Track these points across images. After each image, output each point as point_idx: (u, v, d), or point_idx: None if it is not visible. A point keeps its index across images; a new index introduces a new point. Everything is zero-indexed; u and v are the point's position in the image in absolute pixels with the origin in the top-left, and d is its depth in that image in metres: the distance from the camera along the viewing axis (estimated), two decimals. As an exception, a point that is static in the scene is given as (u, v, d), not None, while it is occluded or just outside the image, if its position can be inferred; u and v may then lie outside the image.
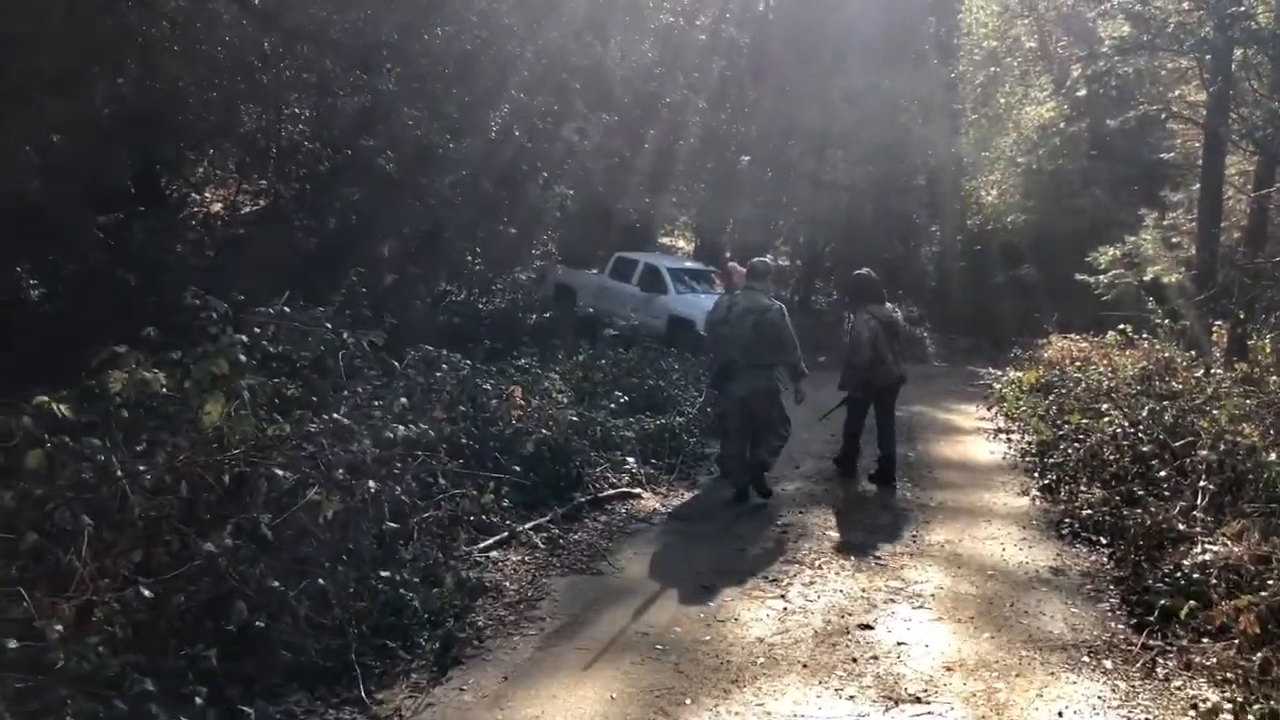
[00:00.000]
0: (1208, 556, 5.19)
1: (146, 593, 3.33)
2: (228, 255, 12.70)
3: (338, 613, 4.14)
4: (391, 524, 4.63)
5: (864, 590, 5.51)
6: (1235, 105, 14.15)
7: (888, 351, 8.05)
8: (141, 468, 3.84)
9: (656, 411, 9.38)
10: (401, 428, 5.07)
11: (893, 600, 5.37)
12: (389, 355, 7.45)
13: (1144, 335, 14.49)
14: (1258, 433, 7.17)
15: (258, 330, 5.52)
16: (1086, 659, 4.64)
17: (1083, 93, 18.47)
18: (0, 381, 5.28)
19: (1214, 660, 4.36)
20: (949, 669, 4.50)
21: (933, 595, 5.47)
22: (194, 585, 3.68)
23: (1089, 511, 6.76)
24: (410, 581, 4.61)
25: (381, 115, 11.30)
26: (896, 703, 4.16)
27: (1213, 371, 9.84)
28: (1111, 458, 7.78)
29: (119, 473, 3.76)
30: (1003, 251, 26.19)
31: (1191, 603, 4.68)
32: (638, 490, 7.48)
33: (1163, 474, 6.89)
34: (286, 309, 6.08)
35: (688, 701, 4.12)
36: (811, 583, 5.62)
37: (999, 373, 15.15)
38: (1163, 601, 4.96)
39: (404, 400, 6.52)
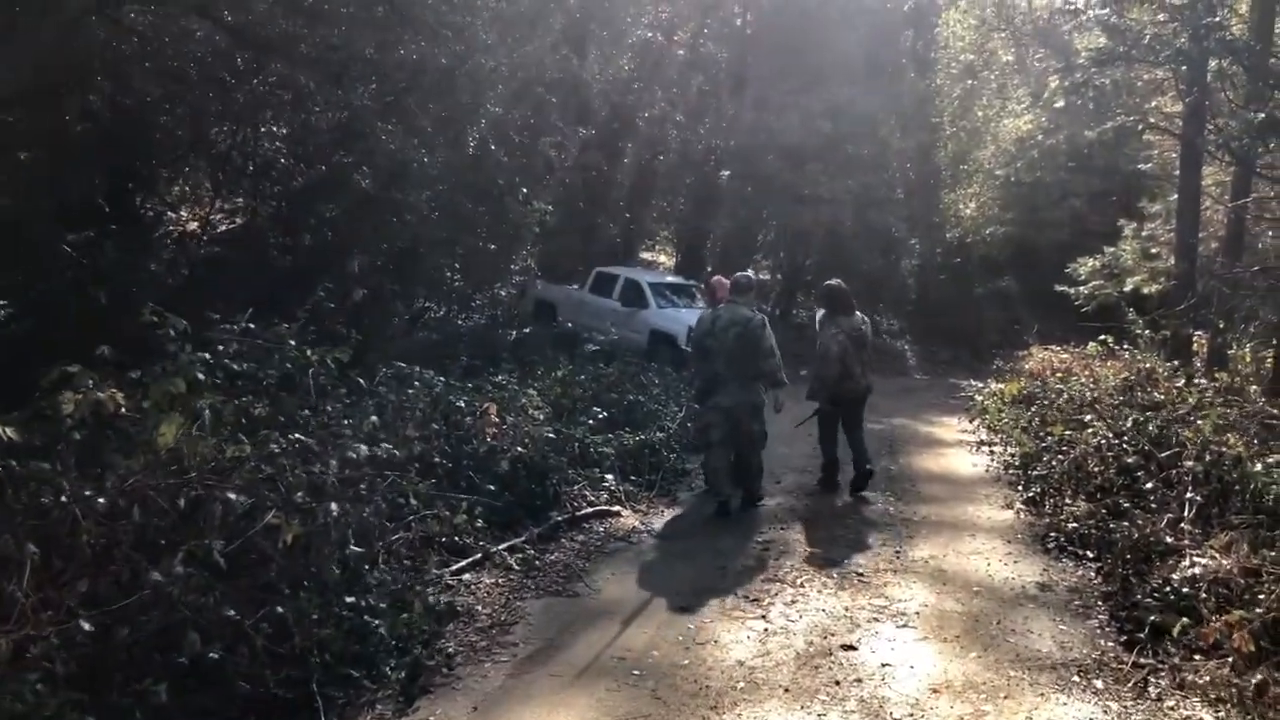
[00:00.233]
0: (1197, 570, 5.08)
1: (86, 626, 3.15)
2: (202, 273, 12.52)
3: (298, 641, 3.96)
4: (356, 548, 4.45)
5: (847, 609, 5.37)
6: (1211, 116, 14.19)
7: (855, 364, 8.09)
8: (88, 492, 3.66)
9: (636, 427, 9.24)
10: (364, 448, 4.88)
11: (876, 619, 5.23)
12: (363, 372, 7.31)
13: (1125, 346, 14.49)
14: (1242, 443, 7.10)
15: (220, 348, 5.34)
16: (1077, 679, 4.51)
17: (1060, 104, 18.54)
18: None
19: (1208, 679, 4.23)
20: (935, 691, 4.36)
21: (917, 613, 5.33)
22: (144, 616, 3.50)
23: (1075, 525, 6.65)
24: (376, 607, 4.44)
25: (357, 131, 11.15)
26: (882, 728, 4.02)
27: (1196, 381, 9.77)
28: (1096, 470, 7.69)
29: (64, 498, 3.57)
30: (982, 263, 26.31)
31: (1184, 620, 4.56)
32: (616, 508, 7.33)
33: (1149, 486, 6.78)
34: (251, 325, 5.89)
35: (665, 729, 3.97)
36: (793, 602, 5.47)
37: (980, 384, 15.09)
38: (1153, 617, 4.84)
39: (374, 419, 6.36)
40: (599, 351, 12.39)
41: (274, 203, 13.11)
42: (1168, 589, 5.12)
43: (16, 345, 9.52)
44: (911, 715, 4.13)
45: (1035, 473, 8.44)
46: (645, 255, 26.03)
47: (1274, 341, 12.79)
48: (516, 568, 5.79)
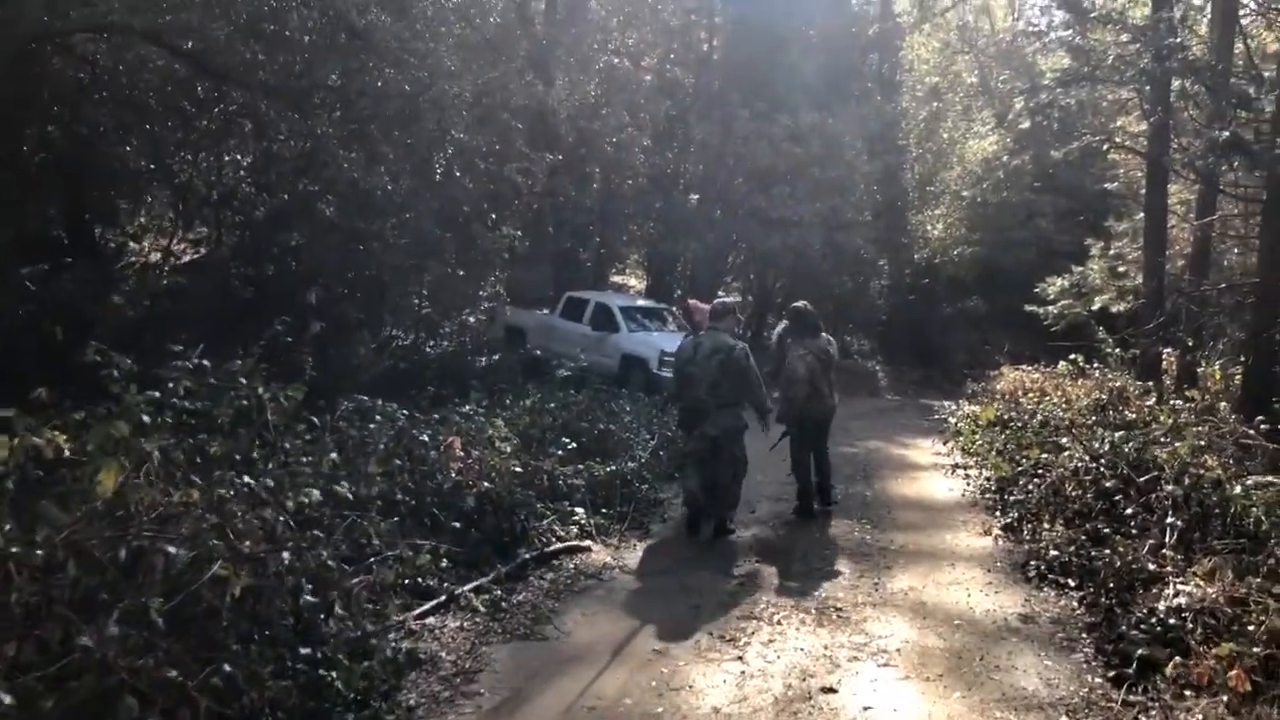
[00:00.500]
0: (1182, 600, 4.96)
1: (6, 699, 2.90)
2: (165, 305, 12.23)
3: (248, 700, 3.72)
4: (310, 597, 4.21)
5: (826, 647, 5.18)
6: (1176, 135, 14.33)
7: (823, 384, 8.16)
8: (15, 549, 3.41)
9: (608, 457, 9.04)
10: (317, 492, 4.65)
11: (857, 658, 5.05)
12: (327, 405, 7.08)
13: (1095, 364, 14.51)
14: (1219, 464, 7.02)
15: (171, 385, 5.10)
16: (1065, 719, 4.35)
17: (1026, 125, 18.72)
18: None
19: (1201, 719, 4.09)
20: (920, 735, 4.19)
21: (898, 650, 5.15)
22: (76, 681, 3.25)
23: (1055, 552, 6.52)
24: (333, 659, 4.19)
25: (320, 159, 10.95)
26: (865, 777, 3.84)
27: (1171, 401, 9.72)
28: (1074, 494, 7.60)
29: (-11, 555, 3.33)
30: (950, 284, 26.49)
31: (1173, 653, 4.41)
32: (587, 543, 7.11)
33: (1129, 511, 6.68)
34: (204, 362, 5.65)
35: (639, 785, 3.76)
36: (770, 641, 5.28)
37: (952, 405, 15.03)
38: (1140, 651, 4.70)
39: (334, 456, 6.13)
40: (569, 377, 12.20)
41: (237, 232, 12.89)
42: (1154, 619, 4.99)
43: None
44: (896, 762, 3.95)
45: (1012, 497, 8.36)
46: (616, 279, 25.93)
47: (1242, 358, 12.84)
48: (483, 610, 5.55)
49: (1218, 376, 13.68)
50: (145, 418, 4.34)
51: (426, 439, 6.99)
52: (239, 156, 12.97)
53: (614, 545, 7.23)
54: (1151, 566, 5.72)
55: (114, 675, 3.25)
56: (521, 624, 5.46)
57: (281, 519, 4.31)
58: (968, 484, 9.73)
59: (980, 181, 26.40)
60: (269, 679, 3.89)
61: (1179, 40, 12.79)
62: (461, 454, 6.91)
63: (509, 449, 7.84)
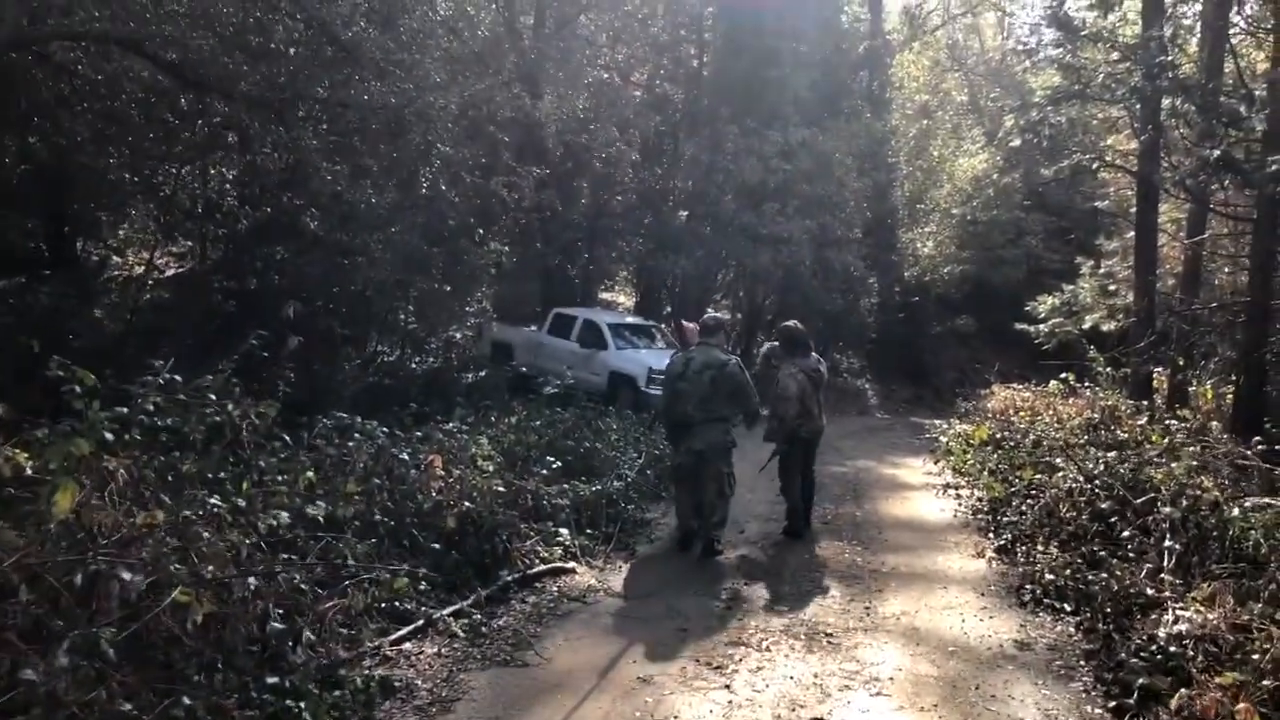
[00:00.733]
0: (1183, 627, 4.81)
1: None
2: (147, 319, 12.04)
3: (209, 734, 3.54)
4: (277, 624, 4.02)
5: (816, 675, 5.01)
6: (1167, 153, 14.28)
7: (813, 404, 8.15)
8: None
9: (593, 476, 8.87)
10: (285, 514, 4.47)
11: (848, 686, 4.87)
12: (307, 423, 6.90)
13: (1086, 383, 14.42)
14: (1216, 486, 6.90)
15: (139, 401, 4.92)
16: (1064, 752, 4.19)
17: (1016, 143, 18.68)
18: None
19: (1206, 754, 3.93)
20: (914, 769, 4.02)
21: (891, 678, 4.98)
22: (23, 716, 3.06)
23: (1050, 576, 6.36)
24: (301, 688, 4.01)
25: (304, 173, 10.80)
26: (858, 814, 3.66)
27: (1166, 421, 9.62)
28: (1068, 515, 7.45)
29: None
30: (940, 302, 26.45)
31: (1181, 690, 4.24)
32: (571, 565, 6.92)
33: (1125, 533, 6.54)
34: (177, 377, 5.47)
35: (621, 824, 3.58)
36: (759, 668, 5.10)
37: (943, 424, 14.90)
38: (1141, 680, 4.53)
39: (310, 474, 5.96)
40: (556, 395, 12.04)
41: (221, 246, 12.73)
42: (1154, 647, 4.83)
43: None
44: (890, 799, 3.78)
45: (1005, 519, 8.22)
46: (604, 295, 25.78)
47: (1234, 378, 12.77)
48: (462, 635, 5.36)
49: (1209, 396, 13.61)
50: (109, 435, 4.15)
51: (406, 457, 6.81)
52: (224, 170, 12.83)
53: (599, 567, 7.05)
54: (1150, 591, 5.57)
55: (63, 710, 3.06)
56: (502, 650, 5.27)
57: (249, 541, 4.13)
58: (959, 504, 9.58)
59: (970, 199, 26.41)
60: (233, 710, 3.71)
61: (1169, 59, 12.77)
62: (442, 473, 6.72)
63: (492, 468, 7.68)
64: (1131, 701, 4.48)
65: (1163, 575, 5.77)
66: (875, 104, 25.23)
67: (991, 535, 8.11)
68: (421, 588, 5.70)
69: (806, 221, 18.98)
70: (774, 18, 20.50)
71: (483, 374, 14.79)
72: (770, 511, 8.76)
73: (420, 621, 5.39)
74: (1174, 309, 14.68)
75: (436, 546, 6.16)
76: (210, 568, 3.78)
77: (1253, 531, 6.04)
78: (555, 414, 10.67)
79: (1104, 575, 5.93)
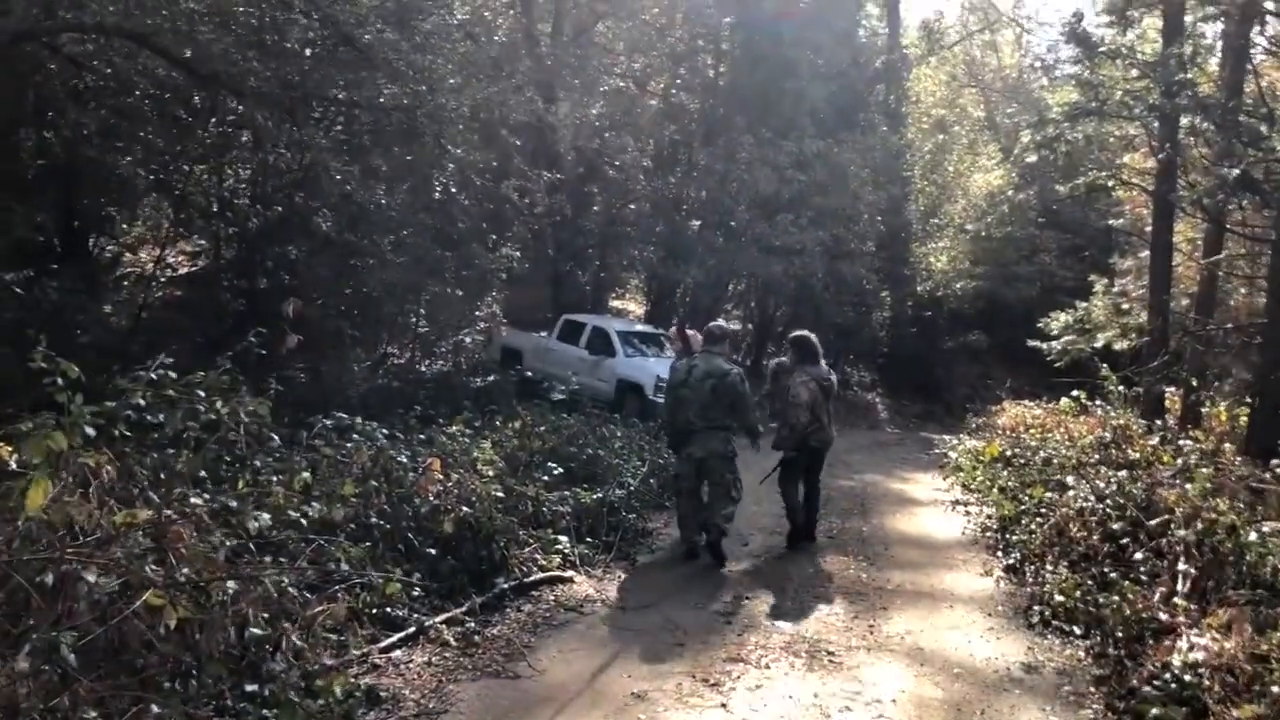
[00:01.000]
0: (1199, 655, 4.64)
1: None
2: (157, 316, 12.01)
3: (181, 743, 3.41)
4: (256, 629, 3.89)
5: (816, 695, 4.85)
6: (1184, 172, 14.11)
7: (823, 413, 8.06)
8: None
9: (595, 483, 8.73)
10: (266, 516, 4.35)
11: (848, 708, 4.71)
12: (312, 422, 6.81)
13: (1097, 402, 14.21)
14: (1231, 509, 6.71)
15: (125, 396, 4.81)
16: (1072, 783, 4.03)
17: (1032, 159, 18.53)
18: None
19: (1223, 791, 3.77)
20: (915, 796, 3.86)
21: (894, 701, 4.82)
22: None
23: (1060, 597, 6.18)
24: (280, 698, 3.88)
25: (316, 172, 10.75)
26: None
27: (1179, 442, 9.43)
28: (1079, 535, 7.27)
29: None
30: (953, 317, 26.27)
31: (1188, 712, 4.09)
32: (569, 573, 6.78)
33: (1138, 555, 6.36)
34: (171, 374, 5.36)
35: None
36: (757, 686, 4.94)
37: (954, 440, 14.72)
38: (1154, 710, 4.37)
39: (306, 475, 5.85)
40: (562, 400, 11.93)
41: (234, 244, 12.71)
42: (1168, 675, 4.66)
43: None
44: (889, 827, 3.63)
45: (1014, 537, 8.05)
46: (615, 303, 25.67)
47: (1248, 400, 12.56)
48: (454, 643, 5.22)
49: (1223, 417, 13.39)
50: (90, 430, 4.04)
51: (405, 459, 6.70)
52: (238, 168, 12.80)
53: (597, 576, 6.91)
54: (1163, 616, 5.40)
55: (22, 717, 2.93)
56: (493, 660, 5.13)
57: (230, 544, 4.00)
58: (968, 521, 9.41)
59: (984, 215, 26.24)
60: (207, 718, 3.58)
61: (1189, 76, 12.63)
62: (441, 476, 6.59)
63: (493, 473, 7.53)
64: (1144, 732, 4.32)
65: (1176, 600, 5.60)
66: (891, 117, 25.11)
67: (1000, 554, 7.95)
68: (415, 594, 5.59)
69: (820, 233, 18.86)
70: (792, 29, 20.40)
71: (491, 378, 14.69)
72: (775, 524, 8.61)
73: (412, 628, 5.26)
74: (1188, 329, 14.50)
75: (432, 551, 6.04)
76: (186, 570, 3.66)
77: (1271, 557, 5.87)
78: (560, 420, 10.55)
79: (1115, 598, 5.76)
